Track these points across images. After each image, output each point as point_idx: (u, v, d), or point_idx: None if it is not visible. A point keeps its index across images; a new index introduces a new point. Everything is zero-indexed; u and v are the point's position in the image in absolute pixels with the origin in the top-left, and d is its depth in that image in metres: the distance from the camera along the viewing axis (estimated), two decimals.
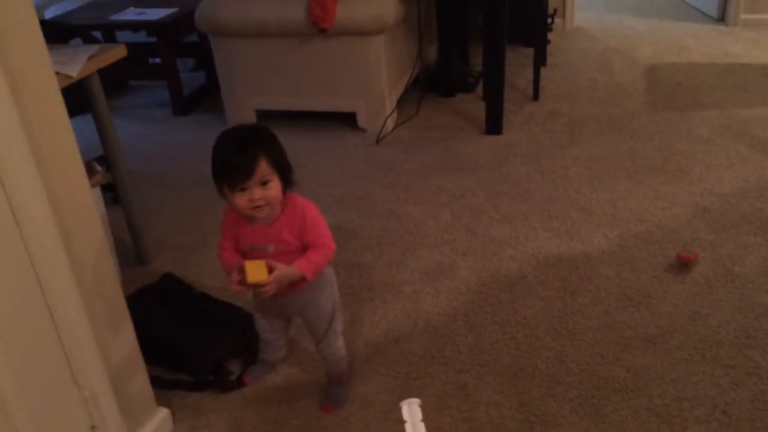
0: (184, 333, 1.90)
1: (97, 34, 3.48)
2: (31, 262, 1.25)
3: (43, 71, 1.26)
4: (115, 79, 4.04)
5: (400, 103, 3.39)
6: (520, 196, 2.60)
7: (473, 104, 3.48)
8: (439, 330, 1.96)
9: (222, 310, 2.01)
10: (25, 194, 1.21)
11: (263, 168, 1.40)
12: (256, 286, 1.43)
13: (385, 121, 3.19)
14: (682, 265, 2.12)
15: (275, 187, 1.43)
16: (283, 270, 1.44)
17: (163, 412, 1.68)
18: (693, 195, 2.52)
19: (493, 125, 3.14)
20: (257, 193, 1.41)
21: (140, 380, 1.61)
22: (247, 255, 1.52)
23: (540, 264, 2.21)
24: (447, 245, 2.35)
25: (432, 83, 3.67)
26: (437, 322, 1.99)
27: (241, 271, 1.42)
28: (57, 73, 1.37)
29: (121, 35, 3.71)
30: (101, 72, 2.02)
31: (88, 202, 1.40)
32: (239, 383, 1.81)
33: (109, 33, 3.73)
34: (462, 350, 1.88)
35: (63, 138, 1.32)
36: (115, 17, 3.50)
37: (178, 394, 1.79)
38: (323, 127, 3.32)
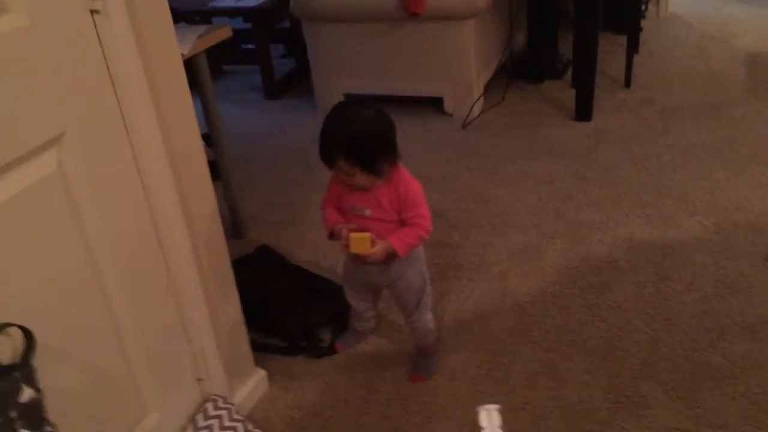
0: (278, 299, 1.98)
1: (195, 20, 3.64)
2: (154, 223, 1.35)
3: (170, 47, 1.34)
4: (211, 64, 4.20)
5: (487, 88, 3.39)
6: (610, 182, 2.56)
7: (562, 91, 3.44)
8: (526, 309, 1.96)
9: (314, 280, 2.08)
10: (150, 159, 1.30)
11: (342, 164, 1.44)
12: (356, 256, 1.50)
13: (472, 107, 3.20)
14: None
15: (361, 178, 1.47)
16: (384, 245, 1.49)
17: (261, 373, 1.76)
18: None
19: (583, 111, 3.09)
20: (346, 178, 1.48)
21: (242, 342, 1.70)
22: (346, 214, 1.58)
23: (631, 249, 2.17)
24: (534, 228, 2.34)
25: (520, 69, 3.64)
26: (525, 302, 1.99)
27: (347, 238, 1.49)
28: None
29: (217, 21, 3.85)
30: None
31: (204, 169, 1.48)
32: (331, 350, 1.88)
33: (207, 19, 3.87)
34: (550, 330, 1.88)
35: (184, 108, 1.40)
36: (214, 3, 3.64)
37: (273, 358, 1.87)
38: (410, 111, 3.35)
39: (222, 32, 2.13)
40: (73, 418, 1.15)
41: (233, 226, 2.50)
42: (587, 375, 1.71)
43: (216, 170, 2.45)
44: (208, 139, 2.36)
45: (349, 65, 3.33)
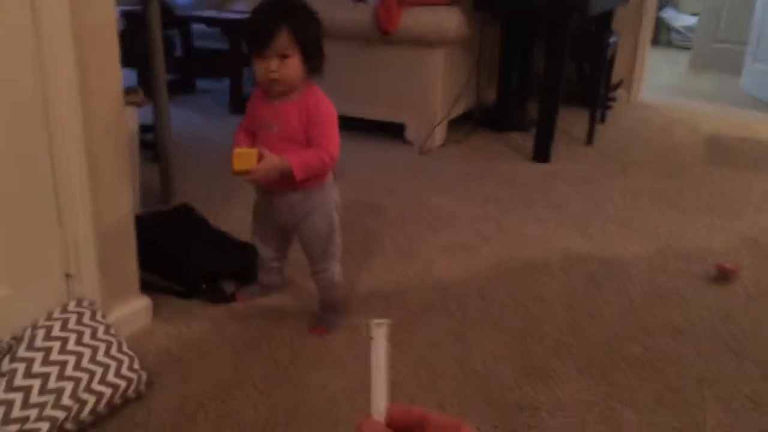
0: (183, 245, 1.85)
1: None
2: (41, 66, 1.25)
3: None
4: (184, 79, 4.20)
5: (452, 129, 3.38)
6: (558, 207, 2.50)
7: (525, 140, 3.44)
8: (447, 290, 1.84)
9: (226, 237, 1.96)
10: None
11: (283, 39, 1.35)
12: (244, 174, 1.39)
13: (432, 132, 3.17)
14: (721, 276, 1.96)
15: (293, 64, 1.38)
16: (271, 160, 1.38)
17: (145, 301, 1.61)
18: (742, 228, 2.36)
19: (541, 152, 3.08)
20: (274, 64, 1.37)
21: (128, 258, 1.56)
22: (256, 134, 1.49)
23: (567, 257, 2.08)
24: (472, 231, 2.25)
25: (486, 118, 3.66)
26: (447, 284, 1.87)
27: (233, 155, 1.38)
28: None
29: (196, 28, 3.89)
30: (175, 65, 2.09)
31: (113, 44, 1.40)
32: (230, 298, 1.73)
33: (186, 24, 3.91)
34: (468, 308, 1.75)
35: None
36: (196, 12, 3.68)
37: (165, 297, 1.71)
38: (371, 135, 3.32)
39: None
40: None
41: (162, 194, 2.39)
42: (498, 348, 1.58)
43: (156, 152, 2.40)
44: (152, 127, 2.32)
45: (317, 83, 3.32)
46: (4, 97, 1.20)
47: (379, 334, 0.49)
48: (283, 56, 1.37)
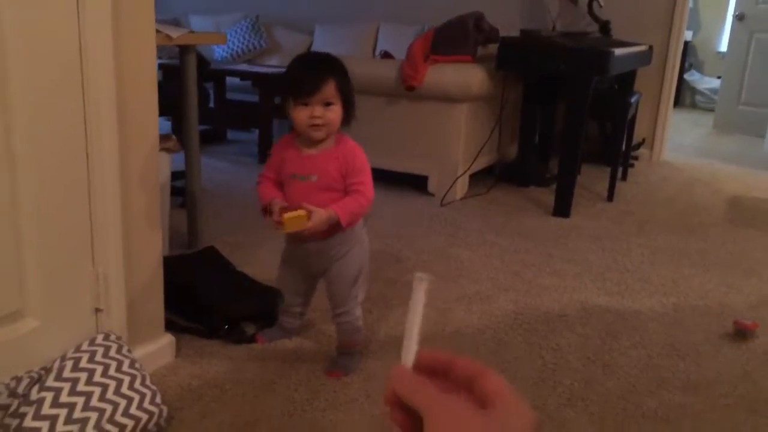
0: (207, 286, 1.91)
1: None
2: (84, 116, 1.34)
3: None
4: (215, 130, 4.35)
5: (473, 182, 3.45)
6: (575, 261, 2.52)
7: (545, 195, 3.48)
8: (464, 337, 1.87)
9: (249, 280, 2.01)
10: (95, 48, 1.32)
11: (330, 89, 1.45)
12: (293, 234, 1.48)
13: (454, 184, 3.24)
14: (740, 333, 1.96)
15: (337, 111, 1.47)
16: (319, 216, 1.45)
17: (168, 338, 1.66)
18: (761, 287, 2.36)
19: (561, 207, 3.12)
20: (318, 110, 1.45)
21: (155, 299, 1.62)
22: (285, 183, 1.55)
23: (584, 309, 2.09)
24: (490, 281, 2.28)
25: (507, 174, 3.72)
26: (464, 332, 1.90)
27: (280, 216, 1.44)
28: (158, 32, 1.54)
29: (230, 81, 4.04)
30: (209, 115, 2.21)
31: (152, 92, 1.49)
32: (250, 339, 1.77)
33: (221, 77, 4.06)
34: (483, 356, 1.77)
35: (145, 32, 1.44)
36: (230, 66, 3.84)
37: (189, 336, 1.76)
38: (394, 186, 3.40)
39: (216, 37, 2.23)
40: None
41: (189, 239, 2.46)
42: None
43: (185, 198, 2.50)
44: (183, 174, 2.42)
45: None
46: (50, 141, 1.29)
47: (419, 288, 0.51)
48: (327, 104, 1.46)
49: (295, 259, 1.67)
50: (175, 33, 2.04)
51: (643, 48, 3.91)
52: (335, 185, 1.51)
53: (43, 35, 1.23)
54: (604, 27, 4.12)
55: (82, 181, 1.36)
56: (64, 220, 1.35)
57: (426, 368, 0.49)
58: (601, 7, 4.07)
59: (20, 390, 1.26)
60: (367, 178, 1.54)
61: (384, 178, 3.41)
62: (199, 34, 2.15)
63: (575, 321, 2.01)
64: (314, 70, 1.46)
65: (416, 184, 3.38)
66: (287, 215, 1.43)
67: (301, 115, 1.46)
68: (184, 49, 2.15)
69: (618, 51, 3.10)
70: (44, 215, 1.30)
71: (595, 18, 4.09)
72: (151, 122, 1.51)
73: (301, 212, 1.44)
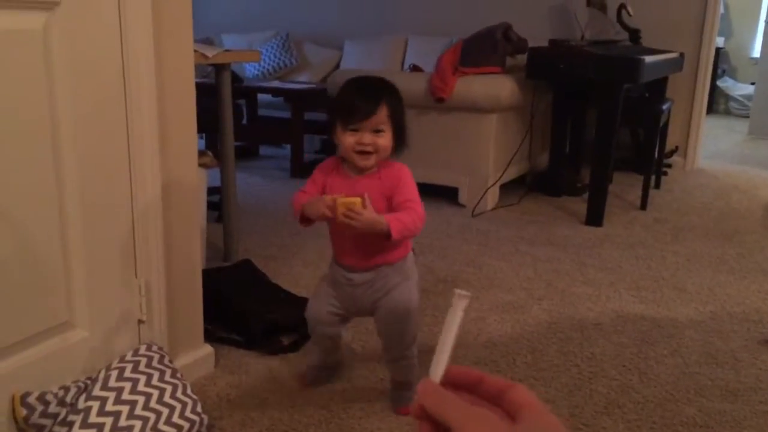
0: (244, 297, 1.95)
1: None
2: (127, 128, 1.39)
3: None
4: (248, 147, 4.43)
5: (504, 192, 3.45)
6: (609, 270, 2.51)
7: (577, 205, 3.47)
8: (497, 347, 1.87)
9: (285, 292, 2.05)
10: (138, 69, 1.37)
11: (381, 115, 1.38)
12: (346, 218, 1.33)
13: (484, 195, 3.25)
14: None
15: (387, 138, 1.40)
16: (373, 213, 1.34)
17: (208, 349, 1.70)
18: None
19: (594, 216, 3.10)
20: (368, 137, 1.38)
21: (195, 310, 1.66)
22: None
23: (619, 318, 2.08)
24: (523, 291, 2.28)
25: (539, 183, 3.72)
26: (498, 341, 1.90)
27: (334, 201, 1.35)
28: (195, 51, 1.59)
29: (261, 98, 4.11)
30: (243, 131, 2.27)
31: (191, 106, 1.54)
32: (286, 349, 1.80)
33: (253, 95, 4.14)
34: (518, 364, 1.78)
35: (184, 46, 1.50)
36: (260, 83, 3.91)
37: (227, 347, 1.80)
38: (424, 198, 3.41)
39: (251, 54, 2.29)
40: None
41: (225, 253, 2.51)
42: (548, 403, 1.59)
43: (221, 212, 2.56)
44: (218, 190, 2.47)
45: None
46: (96, 159, 1.34)
47: (459, 304, 0.51)
48: (377, 130, 1.39)
49: (338, 288, 1.51)
50: (210, 52, 2.10)
51: (673, 55, 3.89)
52: (378, 208, 1.39)
53: (87, 58, 1.28)
54: (634, 35, 4.10)
55: (126, 196, 1.41)
56: (109, 234, 1.40)
57: (454, 383, 0.49)
58: (630, 15, 4.06)
59: (68, 399, 1.30)
60: (416, 196, 1.45)
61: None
62: (233, 53, 2.21)
63: (610, 329, 2.00)
64: (366, 96, 1.39)
65: (447, 195, 3.39)
66: (342, 198, 1.34)
67: (349, 140, 1.39)
68: (219, 68, 2.21)
69: (648, 58, 3.09)
70: (90, 230, 1.35)
71: (625, 26, 4.08)
72: (191, 139, 1.55)
73: (356, 199, 1.33)
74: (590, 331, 1.98)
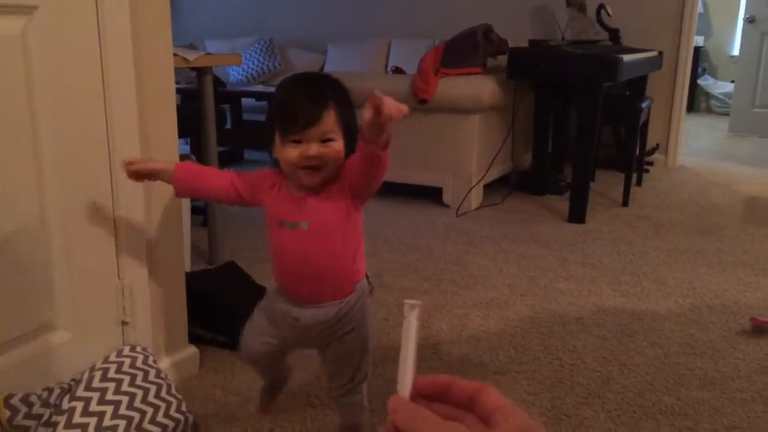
0: (228, 297, 1.95)
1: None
2: (107, 130, 1.40)
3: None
4: (234, 152, 4.43)
5: (488, 192, 3.48)
6: (591, 265, 2.54)
7: (560, 203, 3.50)
8: (481, 342, 1.89)
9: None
10: (117, 66, 1.39)
11: (329, 120, 1.14)
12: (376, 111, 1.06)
13: (468, 194, 3.27)
14: (757, 330, 1.96)
15: (337, 147, 1.15)
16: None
17: (192, 350, 1.71)
18: None
19: (576, 213, 3.14)
20: (314, 148, 1.13)
21: (178, 312, 1.67)
22: (270, 230, 1.26)
23: (600, 312, 2.11)
24: (507, 287, 2.31)
25: (522, 182, 3.75)
26: (481, 336, 1.93)
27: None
28: (175, 55, 1.61)
29: (246, 102, 4.12)
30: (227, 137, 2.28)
31: (170, 98, 1.55)
32: None
33: (236, 99, 4.15)
34: (501, 359, 1.80)
35: (161, 38, 1.51)
36: (246, 87, 3.92)
37: (212, 348, 1.81)
38: (409, 199, 3.44)
39: (232, 58, 2.30)
40: None
41: (210, 254, 2.52)
42: (530, 396, 1.61)
43: (205, 217, 2.58)
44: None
45: None
46: (76, 161, 1.35)
47: (411, 315, 0.51)
48: (326, 140, 1.14)
49: (279, 325, 1.29)
50: (191, 56, 2.11)
51: (652, 54, 3.94)
52: (336, 230, 1.21)
53: (66, 62, 1.30)
54: (614, 35, 4.15)
55: (108, 198, 1.42)
56: (91, 236, 1.41)
57: (424, 395, 0.48)
58: (609, 15, 4.11)
59: (52, 400, 1.31)
60: None
61: (399, 190, 3.47)
62: (215, 56, 2.23)
63: (591, 323, 2.03)
64: (308, 97, 1.14)
65: (431, 196, 3.42)
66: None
67: (291, 154, 1.14)
68: (201, 72, 2.23)
69: (627, 57, 3.14)
70: (72, 232, 1.36)
71: (604, 26, 4.13)
72: (172, 143, 1.57)
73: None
74: (572, 326, 2.01)
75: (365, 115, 1.07)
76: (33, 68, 1.24)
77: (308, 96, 1.15)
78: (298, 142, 1.14)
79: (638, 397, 1.61)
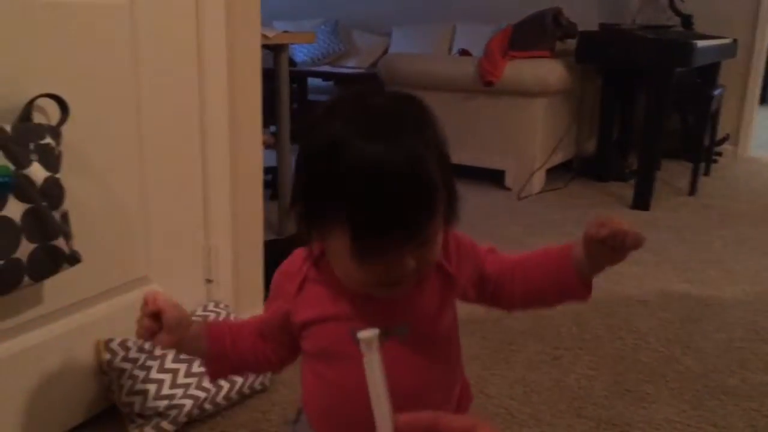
0: None
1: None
2: (201, 106, 1.50)
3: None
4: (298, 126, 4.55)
5: (551, 176, 3.49)
6: (656, 251, 2.53)
7: (624, 190, 3.48)
8: (543, 319, 1.93)
9: None
10: (211, 52, 1.48)
11: (437, 222, 0.74)
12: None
13: (531, 178, 3.29)
14: None
15: (436, 246, 0.77)
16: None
17: None
18: None
19: (641, 200, 3.12)
20: (410, 262, 0.72)
21: (256, 271, 1.76)
22: (327, 358, 0.82)
23: (664, 296, 2.12)
24: None
25: (585, 168, 3.73)
26: (543, 314, 1.96)
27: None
28: None
29: (312, 81, 4.21)
30: None
31: (257, 80, 1.64)
32: None
33: (303, 79, 4.25)
34: (563, 334, 1.84)
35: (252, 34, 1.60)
36: (313, 67, 4.02)
37: None
38: (471, 180, 3.48)
39: (306, 36, 2.38)
40: (86, 245, 1.23)
41: (279, 226, 2.63)
42: (592, 371, 1.65)
43: (275, 190, 2.69)
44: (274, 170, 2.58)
45: None
46: (172, 138, 1.44)
47: (370, 351, 0.45)
48: (422, 244, 0.73)
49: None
50: (270, 33, 2.20)
51: (727, 41, 3.85)
52: (440, 332, 0.85)
53: (167, 33, 1.39)
54: (686, 21, 4.07)
55: (198, 168, 1.52)
56: (183, 200, 1.51)
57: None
58: (682, 1, 4.02)
59: (146, 346, 1.42)
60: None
61: (461, 172, 3.49)
62: (292, 34, 2.31)
63: (656, 306, 2.04)
64: (404, 191, 0.68)
65: (493, 178, 3.45)
66: None
67: (365, 275, 0.73)
68: (277, 50, 2.31)
69: (701, 43, 3.08)
70: (167, 195, 1.46)
71: (677, 12, 4.05)
72: (256, 117, 1.65)
73: None
74: (635, 307, 2.03)
75: (594, 234, 0.78)
76: (138, 38, 1.33)
77: (405, 187, 0.68)
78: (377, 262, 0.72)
79: (702, 377, 1.63)
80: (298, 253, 0.87)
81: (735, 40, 4.01)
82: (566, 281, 0.85)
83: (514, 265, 0.91)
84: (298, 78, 4.20)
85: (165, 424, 1.33)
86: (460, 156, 3.45)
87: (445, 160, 0.76)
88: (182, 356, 1.40)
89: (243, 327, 0.90)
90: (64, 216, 1.11)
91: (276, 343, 0.88)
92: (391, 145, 0.69)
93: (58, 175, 1.07)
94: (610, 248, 0.80)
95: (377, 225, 0.69)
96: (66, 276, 1.18)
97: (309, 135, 0.74)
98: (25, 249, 1.03)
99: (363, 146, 0.68)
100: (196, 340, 0.85)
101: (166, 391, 1.35)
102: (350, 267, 0.73)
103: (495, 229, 2.76)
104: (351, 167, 0.68)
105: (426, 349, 0.82)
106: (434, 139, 0.75)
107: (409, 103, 0.76)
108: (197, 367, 1.39)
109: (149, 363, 1.37)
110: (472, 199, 3.23)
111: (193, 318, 0.87)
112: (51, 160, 1.06)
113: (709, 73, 3.94)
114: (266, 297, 0.95)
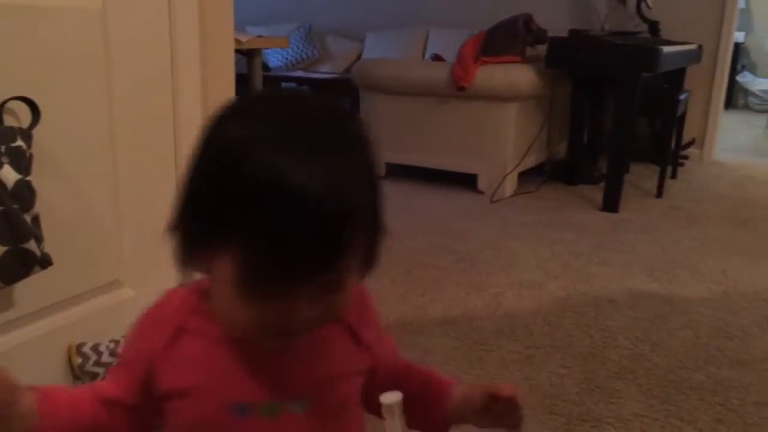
0: None
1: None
2: (173, 105, 1.50)
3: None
4: None
5: (522, 180, 3.53)
6: (624, 252, 2.59)
7: (595, 192, 3.54)
8: (516, 319, 1.96)
9: None
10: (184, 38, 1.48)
11: (350, 262, 0.60)
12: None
13: (503, 181, 3.33)
14: None
15: (349, 292, 0.63)
16: None
17: None
18: None
19: (610, 202, 3.17)
20: (315, 307, 0.60)
21: None
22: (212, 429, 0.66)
23: (633, 295, 2.16)
24: (540, 270, 2.37)
25: (556, 171, 3.79)
26: (515, 314, 1.99)
27: None
28: None
29: (286, 86, 4.22)
30: None
31: (230, 71, 1.64)
32: None
33: (276, 83, 4.26)
34: (535, 334, 1.87)
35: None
36: (286, 72, 4.03)
37: None
38: (444, 184, 3.51)
39: (280, 41, 2.39)
40: (57, 248, 1.22)
41: None
42: (563, 369, 1.68)
43: None
44: None
45: (395, 135, 3.55)
46: (145, 138, 1.44)
47: (391, 412, 0.45)
48: (330, 286, 0.61)
49: None
50: (244, 37, 2.20)
51: (692, 47, 3.94)
52: (350, 391, 0.70)
53: (139, 37, 1.39)
54: (653, 27, 4.16)
55: (172, 169, 1.52)
56: (156, 204, 1.50)
57: None
58: (649, 8, 4.11)
59: (119, 350, 1.41)
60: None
61: (434, 176, 3.54)
62: (265, 39, 2.32)
63: (624, 305, 2.08)
64: (306, 222, 0.55)
65: (466, 182, 3.48)
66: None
67: (264, 315, 0.60)
68: (250, 54, 2.32)
69: (666, 48, 3.16)
70: (139, 200, 1.46)
71: (644, 18, 4.14)
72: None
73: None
74: (604, 307, 2.07)
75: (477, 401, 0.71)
76: (111, 42, 1.33)
77: (319, 207, 0.55)
78: (284, 296, 0.59)
79: (669, 373, 1.67)
80: (175, 293, 0.70)
81: (700, 46, 4.11)
82: (434, 411, 0.75)
83: (406, 368, 0.78)
84: (272, 83, 4.20)
85: None
86: (433, 160, 3.49)
87: (374, 189, 0.63)
88: None
89: (80, 397, 0.70)
90: (35, 219, 1.11)
91: (127, 418, 0.69)
92: (311, 155, 0.56)
93: (29, 178, 1.07)
94: (492, 413, 0.71)
95: (273, 247, 0.55)
96: (37, 279, 1.18)
97: (206, 136, 0.63)
98: None
99: (270, 154, 0.56)
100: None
101: None
102: (235, 302, 0.60)
103: (469, 231, 2.79)
104: (251, 175, 0.56)
105: (326, 427, 0.67)
106: (365, 160, 0.63)
107: (341, 113, 0.66)
108: None
109: None
110: (445, 201, 3.27)
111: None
112: (22, 162, 1.06)
113: (676, 79, 4.03)
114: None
